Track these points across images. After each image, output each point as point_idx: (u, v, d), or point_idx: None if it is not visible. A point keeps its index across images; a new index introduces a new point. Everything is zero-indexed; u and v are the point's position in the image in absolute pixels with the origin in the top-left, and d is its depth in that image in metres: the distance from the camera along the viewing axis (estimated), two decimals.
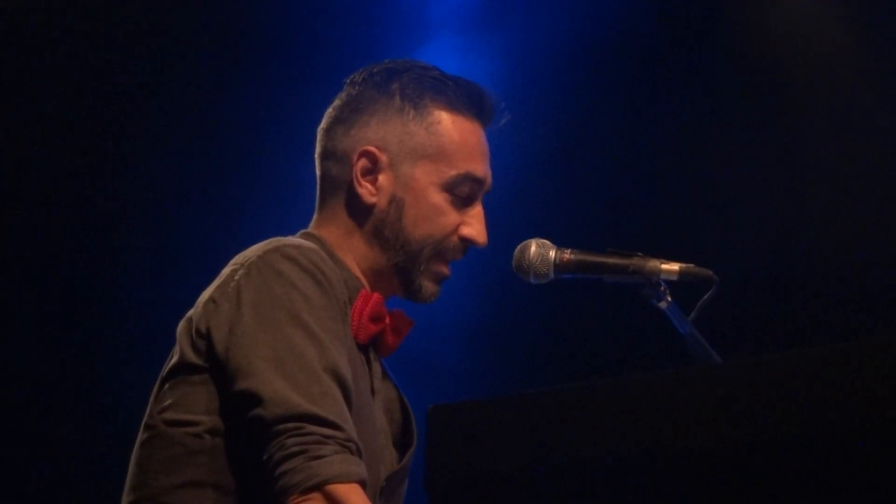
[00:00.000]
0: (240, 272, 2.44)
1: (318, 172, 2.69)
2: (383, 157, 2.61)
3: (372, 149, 2.62)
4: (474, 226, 2.64)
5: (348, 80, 2.70)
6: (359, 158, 2.62)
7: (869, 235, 4.59)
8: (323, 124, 2.69)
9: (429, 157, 2.63)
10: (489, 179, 2.68)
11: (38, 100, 4.60)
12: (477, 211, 2.66)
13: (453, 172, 2.63)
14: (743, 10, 4.77)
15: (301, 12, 4.77)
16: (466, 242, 2.65)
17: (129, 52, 4.67)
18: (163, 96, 4.71)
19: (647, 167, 4.85)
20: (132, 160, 4.71)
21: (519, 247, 2.70)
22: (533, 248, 2.69)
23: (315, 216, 2.68)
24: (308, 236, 2.63)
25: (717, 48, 4.83)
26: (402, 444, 2.65)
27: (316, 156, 2.70)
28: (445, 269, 2.65)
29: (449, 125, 2.64)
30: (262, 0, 4.80)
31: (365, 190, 2.61)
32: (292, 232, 2.65)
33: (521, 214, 4.61)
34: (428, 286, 2.64)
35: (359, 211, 2.63)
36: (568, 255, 2.68)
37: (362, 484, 2.32)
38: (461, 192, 2.64)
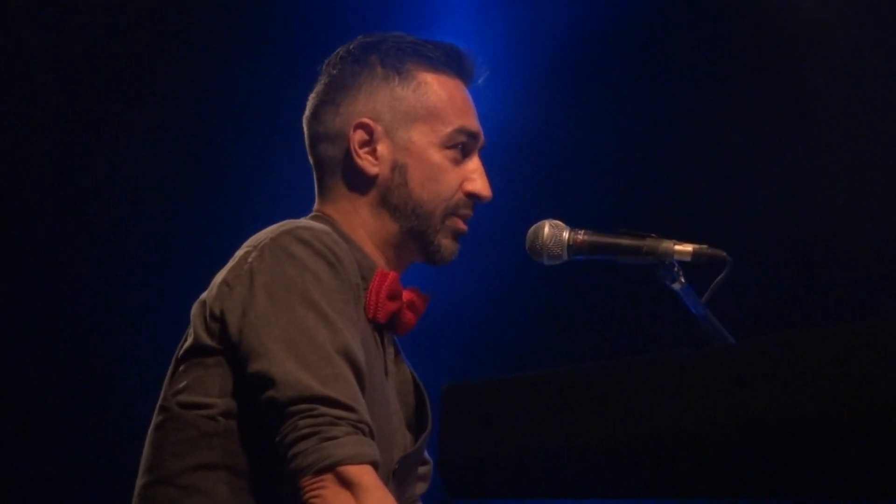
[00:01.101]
0: (253, 254, 2.44)
1: (312, 159, 2.69)
2: (378, 127, 2.62)
3: (366, 120, 2.62)
4: (477, 180, 2.66)
5: (325, 65, 2.71)
6: (354, 132, 2.62)
7: (881, 216, 4.58)
8: (308, 112, 2.70)
9: (422, 118, 2.63)
10: (481, 134, 2.69)
11: (33, 93, 4.60)
12: (476, 165, 2.67)
13: (449, 129, 2.64)
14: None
15: (301, 9, 4.77)
16: (472, 197, 2.66)
17: (127, 45, 4.67)
18: (167, 83, 4.71)
19: (660, 148, 4.85)
20: (132, 146, 4.72)
21: (532, 228, 2.70)
22: (546, 230, 2.69)
23: (317, 202, 2.68)
24: (318, 218, 2.63)
25: (732, 29, 4.82)
26: (416, 427, 2.65)
27: (307, 144, 2.70)
28: (461, 225, 2.66)
29: (435, 85, 2.66)
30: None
31: (366, 161, 2.62)
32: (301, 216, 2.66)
33: (534, 196, 4.61)
34: (447, 244, 2.65)
35: (363, 184, 2.63)
36: (581, 236, 2.68)
37: (374, 465, 2.32)
38: (459, 148, 2.65)
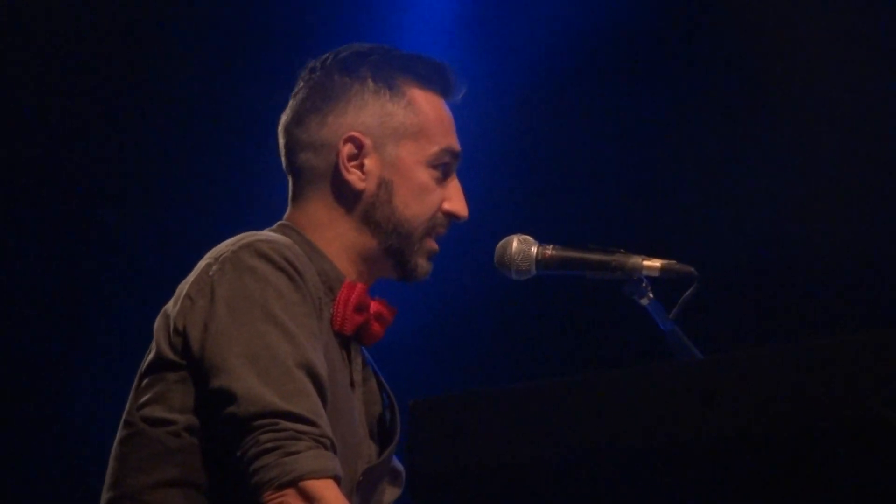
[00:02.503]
0: (214, 267, 2.43)
1: (289, 165, 2.65)
2: (367, 141, 2.60)
3: (356, 134, 2.60)
4: (456, 200, 2.64)
5: (307, 70, 2.67)
6: (344, 145, 2.61)
7: (850, 231, 4.60)
8: (289, 118, 2.66)
9: (411, 135, 2.62)
10: (461, 153, 2.69)
11: (28, 92, 4.60)
12: (455, 185, 2.66)
13: (435, 148, 2.63)
14: (727, 8, 4.77)
15: (286, 19, 4.77)
16: (450, 217, 2.65)
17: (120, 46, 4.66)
18: (160, 82, 4.71)
19: (628, 164, 4.85)
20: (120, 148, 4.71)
21: (501, 243, 2.70)
22: (515, 244, 2.69)
23: (290, 209, 2.65)
24: (285, 228, 2.61)
25: (701, 45, 4.83)
26: (382, 439, 2.64)
27: (284, 150, 2.66)
28: (435, 245, 2.65)
29: (424, 102, 2.64)
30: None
31: (354, 176, 2.60)
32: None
33: (502, 210, 4.61)
34: (423, 264, 2.64)
35: (347, 198, 2.61)
36: (550, 251, 2.68)
37: (336, 479, 2.31)
38: (442, 168, 2.64)
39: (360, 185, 2.60)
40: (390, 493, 2.66)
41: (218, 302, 2.39)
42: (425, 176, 2.62)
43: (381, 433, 2.64)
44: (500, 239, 2.71)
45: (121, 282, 4.68)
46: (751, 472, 1.75)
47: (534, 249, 2.68)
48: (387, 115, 2.62)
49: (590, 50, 4.83)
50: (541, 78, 4.84)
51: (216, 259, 2.45)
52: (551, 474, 1.83)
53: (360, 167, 2.60)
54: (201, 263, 2.47)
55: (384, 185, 2.60)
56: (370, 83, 2.63)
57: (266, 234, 2.54)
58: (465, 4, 4.92)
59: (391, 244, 2.61)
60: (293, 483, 2.28)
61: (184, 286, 2.47)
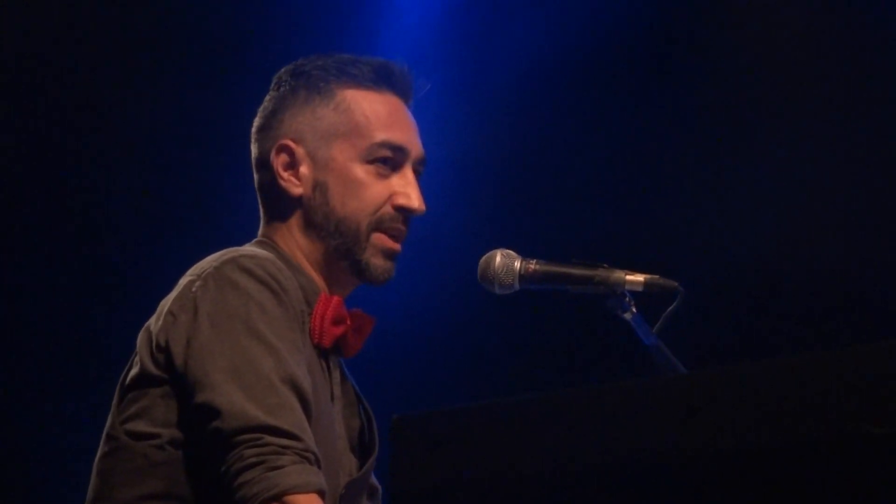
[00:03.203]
0: (197, 283, 2.44)
1: (255, 185, 2.71)
2: (299, 149, 2.63)
3: (286, 142, 2.63)
4: (404, 193, 2.64)
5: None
6: (277, 155, 2.63)
7: (834, 245, 4.61)
8: (251, 140, 2.72)
9: (342, 135, 2.63)
10: (415, 148, 2.67)
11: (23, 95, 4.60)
12: (407, 179, 2.65)
13: (367, 143, 2.63)
14: (707, 16, 4.78)
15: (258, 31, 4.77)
16: (402, 211, 2.64)
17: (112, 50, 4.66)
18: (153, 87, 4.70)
19: (612, 179, 4.86)
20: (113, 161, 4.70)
21: (484, 257, 2.70)
22: (498, 259, 2.69)
23: (264, 226, 2.69)
24: (263, 243, 2.63)
25: (683, 53, 4.84)
26: (362, 451, 2.64)
27: (253, 170, 2.72)
28: (390, 243, 2.63)
29: (357, 100, 2.65)
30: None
31: (289, 183, 2.63)
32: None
33: (485, 225, 4.61)
34: (376, 263, 2.63)
35: (290, 206, 2.64)
36: (533, 265, 2.68)
37: (321, 494, 2.32)
38: (384, 162, 2.63)
39: (296, 191, 2.63)
40: None
41: (201, 317, 2.39)
42: (361, 172, 2.63)
43: (361, 446, 2.64)
44: (484, 253, 2.70)
45: (101, 296, 4.67)
46: (735, 487, 1.74)
47: (517, 264, 2.68)
48: (316, 119, 2.64)
49: (574, 61, 4.83)
50: (522, 92, 4.85)
51: (199, 275, 2.45)
52: (534, 490, 1.82)
53: (297, 174, 2.63)
54: (183, 280, 2.49)
55: (319, 187, 2.62)
56: (301, 92, 2.66)
57: (248, 248, 2.56)
58: (447, 12, 4.92)
59: (337, 244, 2.62)
60: (277, 498, 2.29)
61: (166, 303, 2.47)
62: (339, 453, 2.55)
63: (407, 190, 2.63)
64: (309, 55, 2.72)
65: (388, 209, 2.63)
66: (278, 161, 2.63)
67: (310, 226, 2.62)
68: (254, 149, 2.69)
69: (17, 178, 4.63)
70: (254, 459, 2.29)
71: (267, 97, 2.70)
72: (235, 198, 4.39)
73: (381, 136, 2.64)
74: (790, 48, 4.71)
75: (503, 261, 2.68)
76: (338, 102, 2.65)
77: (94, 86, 4.66)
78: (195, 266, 2.50)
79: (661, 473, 1.77)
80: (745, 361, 1.81)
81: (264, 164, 2.66)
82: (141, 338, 2.47)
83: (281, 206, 2.64)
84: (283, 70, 2.71)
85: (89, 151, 4.69)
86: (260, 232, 2.68)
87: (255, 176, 2.69)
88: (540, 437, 1.83)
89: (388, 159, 2.64)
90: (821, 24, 4.69)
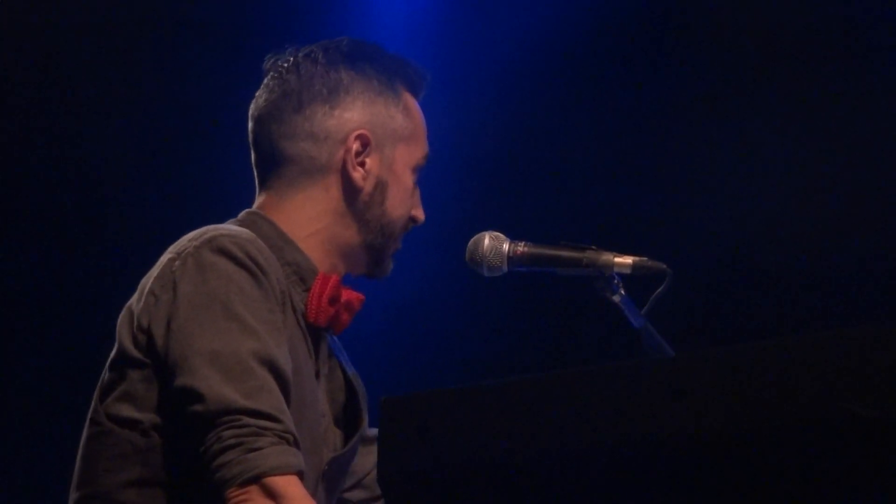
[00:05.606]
0: (176, 263, 2.42)
1: (278, 153, 2.61)
2: (372, 141, 2.62)
3: (365, 132, 2.61)
4: (420, 207, 2.70)
5: (300, 57, 2.65)
6: (354, 141, 2.61)
7: (821, 228, 4.61)
8: (281, 103, 2.62)
9: (404, 139, 2.65)
10: None
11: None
12: (418, 191, 2.70)
13: (420, 154, 2.67)
14: (705, 6, 4.78)
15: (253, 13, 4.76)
16: (413, 221, 2.69)
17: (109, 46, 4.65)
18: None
19: (600, 160, 4.86)
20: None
21: (472, 239, 2.70)
22: (486, 241, 2.69)
23: (265, 197, 2.63)
24: (254, 217, 2.60)
25: (671, 37, 4.84)
26: (347, 426, 2.64)
27: (277, 132, 2.62)
28: (400, 245, 2.69)
29: (414, 107, 2.69)
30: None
31: (358, 173, 2.61)
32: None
33: (474, 207, 4.61)
34: (391, 263, 2.68)
35: (344, 193, 2.61)
36: (521, 247, 2.68)
37: (300, 475, 2.31)
38: (419, 172, 2.68)
39: (360, 182, 2.62)
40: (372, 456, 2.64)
41: (180, 299, 2.38)
42: (410, 180, 2.66)
43: (346, 421, 2.64)
44: (472, 236, 2.71)
45: (85, 277, 4.66)
46: (722, 469, 1.75)
47: (505, 246, 2.68)
48: (389, 116, 2.64)
49: (563, 48, 4.83)
50: (511, 76, 4.85)
51: (178, 254, 2.43)
52: (523, 471, 1.83)
53: (363, 165, 2.62)
54: (163, 258, 2.46)
55: (380, 185, 2.63)
56: (375, 83, 2.65)
57: (228, 227, 2.52)
58: (437, 2, 4.92)
59: (373, 241, 2.63)
60: (256, 479, 2.28)
61: (147, 281, 2.45)
62: (324, 430, 2.55)
63: (420, 204, 2.69)
64: (296, 46, 2.68)
65: (408, 218, 2.68)
66: (354, 146, 2.61)
67: (355, 217, 2.61)
68: (302, 121, 2.61)
69: (17, 179, 4.62)
70: (232, 441, 2.28)
71: (324, 69, 2.63)
72: (236, 198, 4.39)
73: (426, 147, 2.69)
74: (775, 33, 4.71)
75: (491, 243, 2.69)
76: (404, 104, 2.66)
77: (94, 86, 4.65)
78: (175, 243, 2.47)
79: (648, 455, 1.77)
80: (733, 344, 1.81)
81: (323, 140, 2.61)
82: (122, 319, 2.45)
83: (328, 188, 2.61)
84: (343, 45, 2.66)
85: (89, 152, 4.68)
86: (257, 203, 2.63)
87: (292, 142, 2.61)
88: (529, 418, 1.83)
89: (422, 171, 2.68)
90: (810, 10, 4.69)
